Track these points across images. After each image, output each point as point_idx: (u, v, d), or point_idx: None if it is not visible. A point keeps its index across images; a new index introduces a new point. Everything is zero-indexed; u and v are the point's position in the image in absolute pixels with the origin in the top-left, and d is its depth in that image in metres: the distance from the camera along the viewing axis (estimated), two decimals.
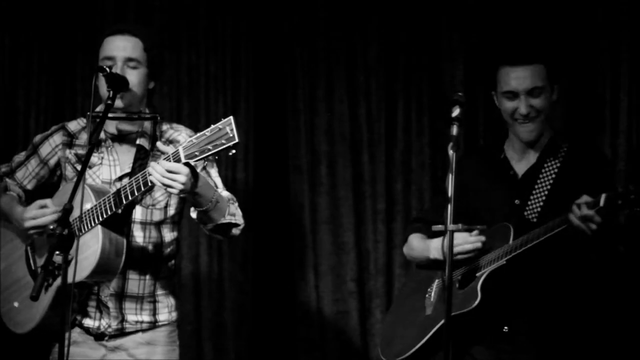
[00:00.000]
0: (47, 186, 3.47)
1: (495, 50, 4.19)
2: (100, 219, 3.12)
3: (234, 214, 3.23)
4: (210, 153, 2.79)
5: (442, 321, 3.17)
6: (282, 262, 4.57)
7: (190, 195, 3.03)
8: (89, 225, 3.15)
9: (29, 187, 3.48)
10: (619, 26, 4.18)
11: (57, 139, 3.43)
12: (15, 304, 3.35)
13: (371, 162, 4.53)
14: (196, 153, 2.82)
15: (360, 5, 4.51)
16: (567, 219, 3.04)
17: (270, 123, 4.62)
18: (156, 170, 2.90)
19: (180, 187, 2.90)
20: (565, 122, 4.23)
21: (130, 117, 3.27)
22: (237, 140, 2.75)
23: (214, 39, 4.59)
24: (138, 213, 3.32)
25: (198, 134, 2.84)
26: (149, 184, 2.99)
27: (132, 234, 3.31)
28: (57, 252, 2.88)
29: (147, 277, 3.35)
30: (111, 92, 3.13)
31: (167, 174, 2.89)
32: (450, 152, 2.95)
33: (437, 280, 3.41)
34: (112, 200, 3.10)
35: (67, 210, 2.91)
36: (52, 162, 3.44)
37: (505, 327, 3.24)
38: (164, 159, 2.92)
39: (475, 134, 4.40)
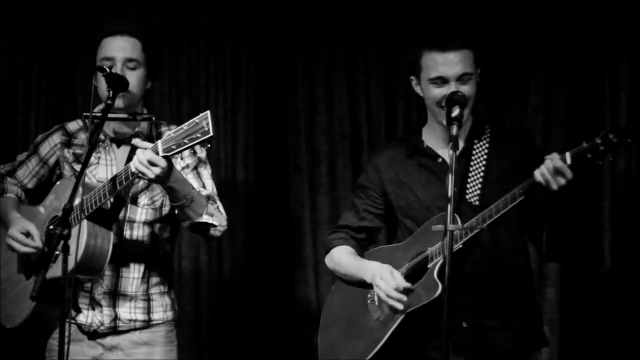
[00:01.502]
0: (47, 185, 3.48)
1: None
2: (87, 213, 3.14)
3: (212, 214, 3.23)
4: (186, 147, 2.84)
5: (400, 319, 3.10)
6: (282, 262, 4.57)
7: (164, 187, 3.09)
8: (75, 221, 3.16)
9: (30, 185, 3.50)
10: (619, 26, 4.18)
11: (56, 138, 3.47)
12: (8, 299, 3.39)
13: None
14: (173, 147, 2.88)
15: (360, 5, 4.51)
16: (534, 176, 2.90)
17: (270, 123, 4.62)
18: (138, 158, 2.95)
19: (153, 176, 2.94)
20: (565, 122, 4.23)
21: (126, 117, 3.28)
22: (212, 133, 2.79)
23: (214, 39, 4.59)
24: (133, 212, 3.34)
25: (177, 128, 2.88)
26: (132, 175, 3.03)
27: (125, 232, 3.33)
28: (57, 252, 2.88)
29: (140, 275, 3.36)
30: (111, 92, 3.14)
31: (145, 162, 2.93)
32: (450, 152, 2.93)
33: None
34: (100, 193, 3.13)
35: (68, 210, 2.90)
36: (52, 161, 3.47)
37: (464, 323, 3.12)
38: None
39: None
